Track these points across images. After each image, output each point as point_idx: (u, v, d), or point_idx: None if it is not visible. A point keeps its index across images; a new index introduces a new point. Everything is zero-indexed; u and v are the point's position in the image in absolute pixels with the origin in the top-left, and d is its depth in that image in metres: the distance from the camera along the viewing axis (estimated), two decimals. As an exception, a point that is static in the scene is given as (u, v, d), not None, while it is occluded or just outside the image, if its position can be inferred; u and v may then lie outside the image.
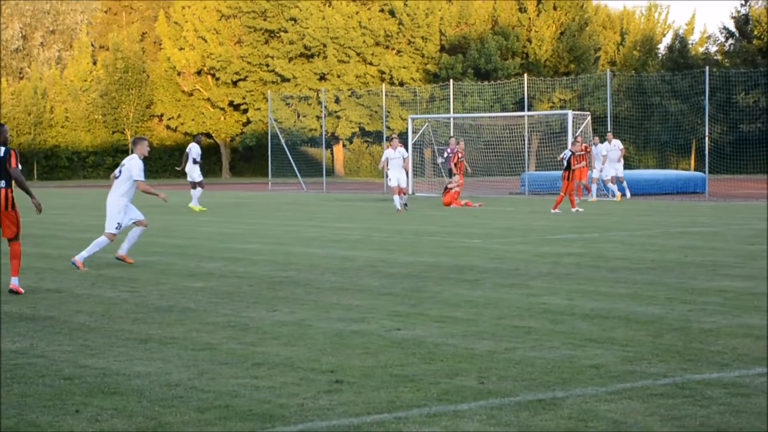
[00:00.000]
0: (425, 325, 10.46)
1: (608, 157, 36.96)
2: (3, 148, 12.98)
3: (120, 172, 16.28)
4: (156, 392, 7.72)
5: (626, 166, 52.04)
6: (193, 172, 33.00)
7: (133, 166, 16.13)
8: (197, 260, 16.84)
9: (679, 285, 13.20)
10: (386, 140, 30.93)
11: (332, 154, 72.42)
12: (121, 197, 16.14)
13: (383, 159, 31.42)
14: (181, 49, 72.58)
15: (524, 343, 9.44)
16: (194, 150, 33.36)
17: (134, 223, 16.58)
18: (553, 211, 29.14)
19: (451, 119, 48.60)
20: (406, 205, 30.29)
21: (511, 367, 8.47)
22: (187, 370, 8.48)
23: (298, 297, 12.50)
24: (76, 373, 8.39)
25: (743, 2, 74.44)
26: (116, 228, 16.11)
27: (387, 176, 31.84)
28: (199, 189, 32.59)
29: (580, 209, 29.98)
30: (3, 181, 12.92)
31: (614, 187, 37.24)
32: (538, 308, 11.43)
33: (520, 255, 17.28)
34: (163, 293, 12.99)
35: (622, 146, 37.81)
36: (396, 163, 30.52)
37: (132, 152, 16.75)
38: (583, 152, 33.89)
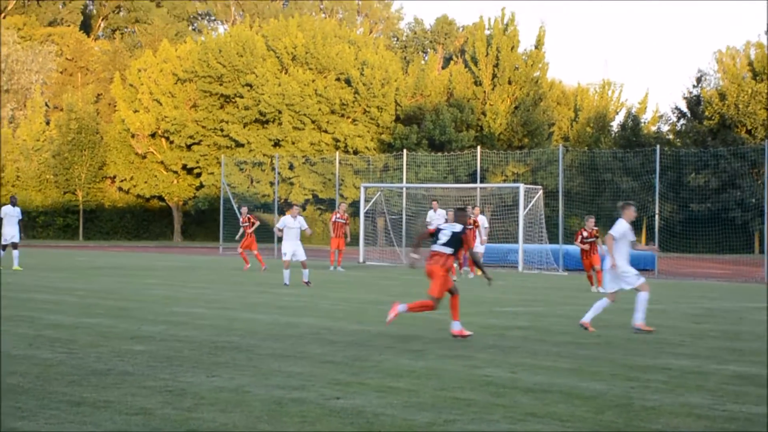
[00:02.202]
0: (365, 394, 10.31)
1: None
2: None
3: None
4: (84, 457, 7.51)
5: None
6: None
7: None
8: (140, 323, 16.57)
9: (623, 361, 13.14)
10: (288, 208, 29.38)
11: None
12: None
13: (279, 226, 27.68)
14: (135, 111, 72.47)
15: (464, 416, 9.31)
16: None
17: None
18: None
19: (404, 189, 48.70)
20: (308, 282, 26.98)
21: (450, 440, 8.33)
22: (118, 435, 8.27)
23: (239, 363, 12.30)
24: (3, 436, 8.16)
25: (695, 84, 75.65)
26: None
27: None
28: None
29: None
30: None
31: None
32: (480, 380, 11.31)
33: (466, 326, 17.15)
34: (101, 356, 12.73)
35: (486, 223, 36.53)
36: (293, 233, 27.14)
37: None
38: (471, 226, 32.86)
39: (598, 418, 9.36)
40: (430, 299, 15.62)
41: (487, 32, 74.19)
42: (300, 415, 9.20)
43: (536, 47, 74.67)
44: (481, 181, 52.71)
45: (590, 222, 29.46)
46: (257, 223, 36.96)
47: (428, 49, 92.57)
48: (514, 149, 68.95)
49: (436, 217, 35.16)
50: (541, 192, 42.81)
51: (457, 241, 15.69)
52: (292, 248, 26.97)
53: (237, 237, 37.95)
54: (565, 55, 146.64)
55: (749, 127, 66.66)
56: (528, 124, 72.53)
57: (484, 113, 72.01)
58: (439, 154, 62.25)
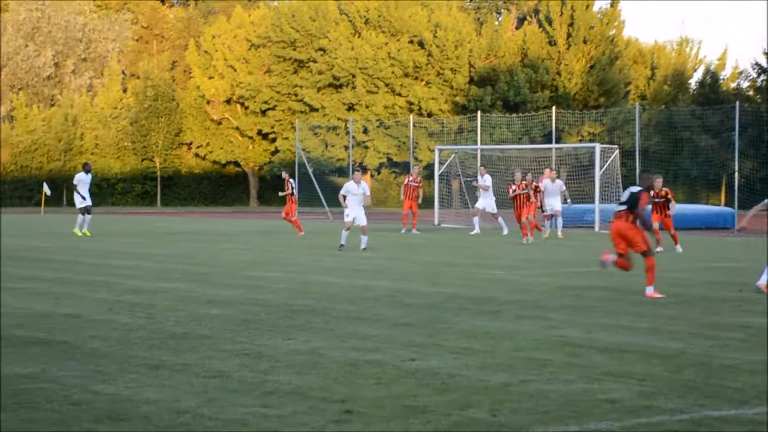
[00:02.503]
0: (440, 355, 10.32)
1: (548, 194, 34.14)
2: None
3: None
4: (163, 419, 7.62)
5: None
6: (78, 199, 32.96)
7: None
8: (216, 287, 16.75)
9: (701, 320, 13.01)
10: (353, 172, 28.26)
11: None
12: None
13: (343, 192, 27.18)
14: (210, 77, 72.92)
15: (540, 376, 9.28)
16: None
17: None
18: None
19: (479, 151, 48.48)
20: (365, 249, 26.26)
21: (525, 400, 8.32)
22: (197, 397, 8.38)
23: (315, 326, 12.38)
24: (85, 399, 8.31)
25: (775, 38, 74.09)
26: None
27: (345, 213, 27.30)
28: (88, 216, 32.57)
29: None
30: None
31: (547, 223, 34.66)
32: (556, 341, 11.27)
33: (541, 287, 17.13)
34: (179, 320, 12.90)
35: (564, 186, 35.48)
36: (356, 199, 26.72)
37: None
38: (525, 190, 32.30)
39: (676, 377, 9.28)
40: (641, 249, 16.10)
41: (561, -9, 73.32)
42: (375, 376, 9.24)
43: (611, 5, 73.65)
44: (557, 142, 52.31)
45: (658, 182, 27.55)
46: (293, 188, 35.64)
47: (502, 10, 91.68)
48: (590, 109, 68.24)
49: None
50: (617, 151, 42.33)
51: (635, 200, 16.04)
52: (354, 213, 26.68)
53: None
54: (641, 12, 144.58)
55: (832, 82, 65.23)
56: (604, 84, 71.67)
57: (558, 73, 71.29)
58: (514, 115, 61.81)
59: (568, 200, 35.50)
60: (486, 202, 35.82)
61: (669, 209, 27.90)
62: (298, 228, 34.16)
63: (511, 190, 32.11)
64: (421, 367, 9.69)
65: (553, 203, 34.33)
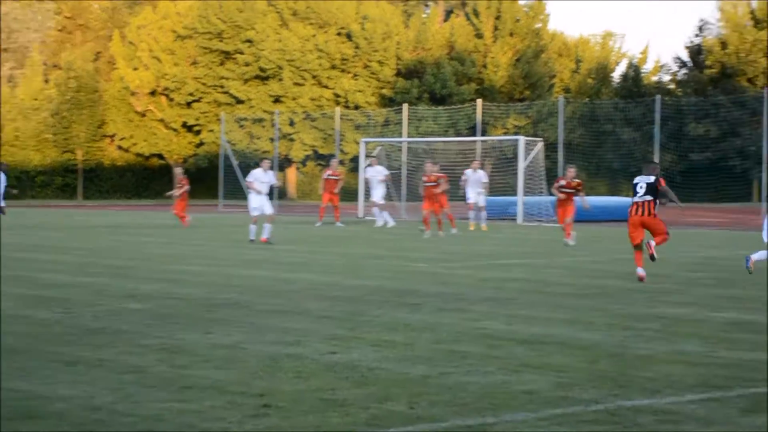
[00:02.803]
0: (361, 348, 10.33)
1: (469, 183, 34.89)
2: None
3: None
4: (77, 416, 7.53)
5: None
6: None
7: None
8: (137, 282, 16.59)
9: (619, 311, 13.17)
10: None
11: (285, 176, 72.17)
12: None
13: (249, 179, 27.24)
14: (135, 69, 72.16)
15: (459, 368, 9.33)
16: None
17: None
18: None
19: (404, 143, 48.58)
20: (268, 240, 26.05)
21: (444, 392, 8.36)
22: (112, 393, 8.29)
23: (235, 319, 12.32)
24: (-3, 396, 8.18)
25: (697, 33, 75.30)
26: None
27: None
28: None
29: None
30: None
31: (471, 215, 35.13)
32: (476, 333, 11.34)
33: (464, 279, 17.23)
34: (97, 315, 12.76)
35: (485, 177, 35.76)
36: (263, 187, 26.77)
37: None
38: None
39: (593, 367, 9.38)
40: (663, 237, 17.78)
41: (487, -16, 73.71)
42: (295, 370, 9.22)
43: (537, -2, 74.24)
44: (482, 134, 52.62)
45: (570, 172, 27.43)
46: (186, 187, 35.59)
47: (430, 2, 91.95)
48: (515, 102, 68.75)
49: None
50: (541, 144, 42.69)
51: (653, 190, 17.57)
52: (259, 202, 26.52)
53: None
54: (566, 6, 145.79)
55: (750, 76, 66.38)
56: (529, 77, 72.23)
57: (485, 66, 71.68)
58: (440, 107, 62.08)
59: (483, 191, 35.21)
60: (380, 192, 36.34)
61: (572, 202, 27.31)
62: (183, 222, 34.69)
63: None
64: (341, 361, 9.70)
65: (473, 195, 34.53)
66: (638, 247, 17.44)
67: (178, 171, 36.46)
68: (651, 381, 8.76)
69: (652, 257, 17.52)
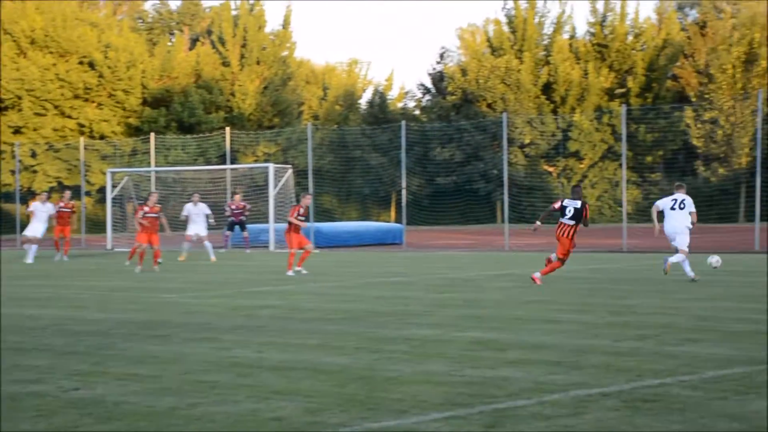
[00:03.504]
0: (106, 383, 10.08)
1: (191, 219, 34.33)
2: None
3: None
4: None
5: (329, 218, 52.81)
6: None
7: None
8: None
9: (368, 334, 13.36)
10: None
11: (27, 210, 69.77)
12: None
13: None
14: None
15: (207, 398, 9.24)
16: None
17: None
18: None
19: (153, 173, 47.91)
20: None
21: (192, 423, 8.26)
22: None
23: (-26, 360, 11.80)
24: None
25: (438, 60, 77.65)
26: None
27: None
28: None
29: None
30: None
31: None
32: (226, 362, 11.26)
33: (214, 308, 17.10)
34: None
35: (208, 210, 35.05)
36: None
37: None
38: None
39: (342, 391, 9.47)
40: (559, 260, 21.40)
41: (233, 12, 73.77)
42: (36, 409, 8.91)
43: (283, 27, 74.83)
44: (232, 163, 52.49)
45: (306, 199, 26.63)
46: None
47: (175, 31, 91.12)
48: (265, 129, 68.96)
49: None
50: (290, 171, 42.97)
51: (579, 215, 21.16)
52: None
53: None
54: (312, 34, 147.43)
55: (489, 101, 68.90)
56: (277, 104, 72.66)
57: (233, 94, 71.62)
58: (189, 136, 61.56)
59: (211, 220, 34.92)
60: (198, 227, 34.63)
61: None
62: None
63: (141, 213, 28.95)
64: (85, 396, 9.43)
65: (197, 229, 33.92)
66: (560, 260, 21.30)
67: None
68: (398, 402, 8.92)
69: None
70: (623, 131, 39.17)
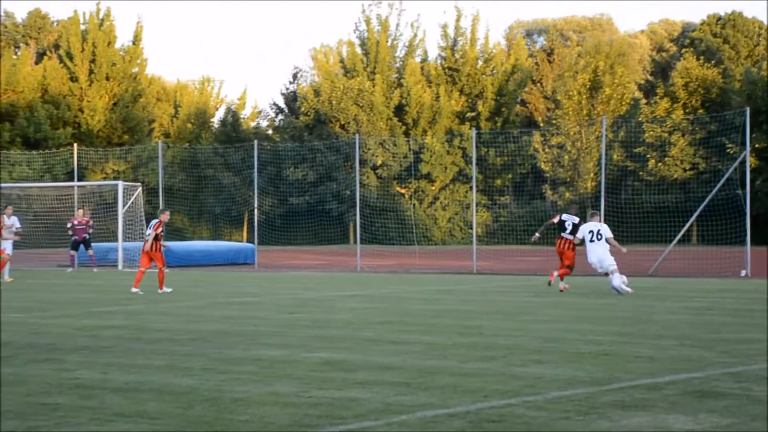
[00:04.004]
0: (-57, 407, 9.75)
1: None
2: None
3: None
4: None
5: (180, 237, 52.31)
6: None
7: None
8: None
9: (217, 355, 13.24)
10: None
11: None
12: None
13: None
14: None
15: (49, 421, 9.02)
16: None
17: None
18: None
19: (-3, 189, 46.64)
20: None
21: (32, 447, 8.05)
22: None
23: None
24: None
25: (291, 80, 77.70)
26: None
27: None
28: None
29: None
30: None
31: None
32: (69, 383, 11.01)
33: (59, 329, 16.71)
34: None
35: (18, 224, 34.22)
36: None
37: None
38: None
39: (188, 413, 9.36)
40: (567, 268, 24.60)
41: (82, 27, 72.55)
42: None
43: (134, 43, 73.93)
44: (80, 180, 51.51)
45: (165, 215, 26.26)
46: None
47: (20, 44, 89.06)
48: (114, 146, 67.92)
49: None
50: (140, 189, 42.38)
51: (576, 228, 24.39)
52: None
53: None
54: (164, 51, 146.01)
55: (342, 122, 69.24)
56: (128, 121, 71.69)
57: (81, 110, 70.38)
58: (35, 152, 60.20)
59: (17, 237, 33.99)
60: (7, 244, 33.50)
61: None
62: None
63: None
64: None
65: (6, 245, 32.44)
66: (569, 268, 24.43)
67: None
68: (246, 423, 8.86)
69: (549, 283, 24.53)
70: (473, 154, 39.79)
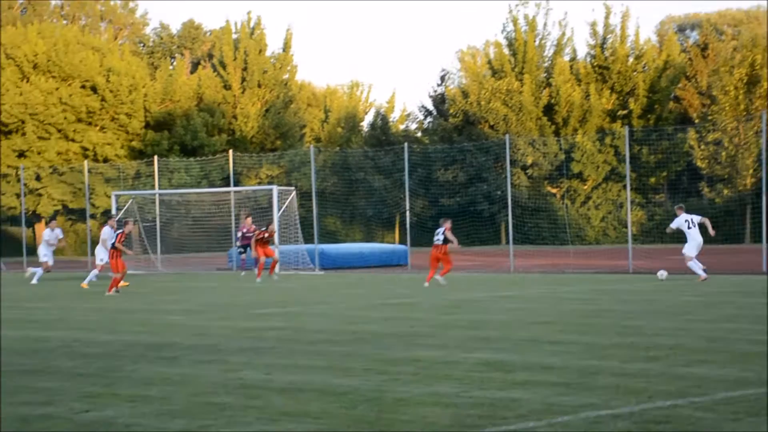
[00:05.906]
0: (116, 405, 10.10)
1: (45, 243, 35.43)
2: None
3: None
4: None
5: (333, 240, 52.89)
6: None
7: None
8: None
9: (376, 356, 13.36)
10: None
11: (34, 232, 69.88)
12: None
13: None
14: None
15: (217, 420, 9.26)
16: None
17: None
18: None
19: (157, 195, 47.99)
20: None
21: (203, 445, 8.27)
22: None
23: (-17, 382, 11.81)
24: None
25: (439, 82, 77.82)
26: None
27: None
28: None
29: None
30: None
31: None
32: (234, 384, 11.27)
33: (221, 330, 17.11)
34: None
35: (61, 235, 36.33)
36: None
37: None
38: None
39: (350, 413, 9.48)
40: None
41: (234, 36, 74.02)
42: (47, 430, 8.93)
43: (284, 50, 75.06)
44: (235, 185, 52.56)
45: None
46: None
47: (176, 54, 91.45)
48: (267, 152, 69.09)
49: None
50: (294, 193, 43.01)
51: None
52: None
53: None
54: (313, 57, 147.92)
55: (491, 123, 69.01)
56: (279, 127, 72.81)
57: (235, 117, 71.81)
58: (192, 159, 61.65)
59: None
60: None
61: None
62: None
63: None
64: (96, 418, 9.45)
65: (46, 253, 35.03)
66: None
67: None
68: (408, 423, 8.93)
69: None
70: (626, 152, 39.23)
